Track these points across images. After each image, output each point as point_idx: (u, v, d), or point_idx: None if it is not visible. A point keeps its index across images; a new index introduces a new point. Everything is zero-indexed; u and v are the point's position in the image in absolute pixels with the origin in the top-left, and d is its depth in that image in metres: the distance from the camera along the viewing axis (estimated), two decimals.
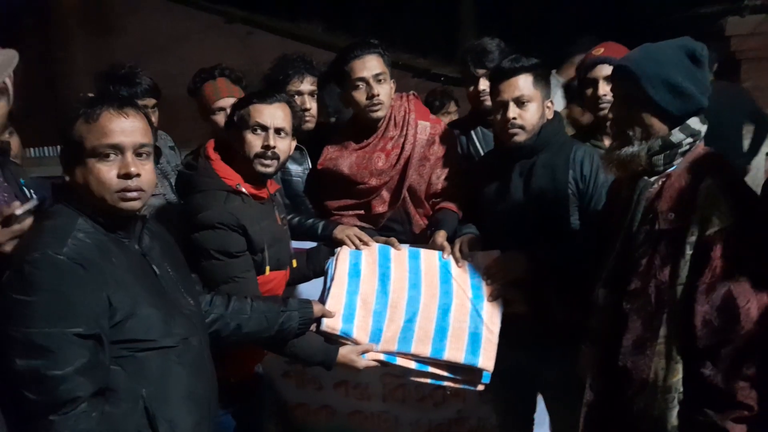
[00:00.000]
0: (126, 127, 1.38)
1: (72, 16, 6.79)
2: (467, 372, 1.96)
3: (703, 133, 1.57)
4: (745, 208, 1.45)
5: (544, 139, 2.08)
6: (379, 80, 2.24)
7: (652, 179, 1.58)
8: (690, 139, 1.54)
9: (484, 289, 2.02)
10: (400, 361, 1.97)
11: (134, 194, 1.38)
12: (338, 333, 1.94)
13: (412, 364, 1.96)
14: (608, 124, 2.37)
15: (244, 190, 1.90)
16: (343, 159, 2.33)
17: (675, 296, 1.47)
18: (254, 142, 1.90)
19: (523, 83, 2.03)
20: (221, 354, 1.67)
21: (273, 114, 1.91)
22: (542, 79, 2.08)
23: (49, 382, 1.24)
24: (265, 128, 1.90)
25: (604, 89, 2.31)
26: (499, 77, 2.06)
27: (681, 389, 1.47)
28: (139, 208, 1.43)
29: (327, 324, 1.93)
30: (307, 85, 2.41)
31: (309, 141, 2.45)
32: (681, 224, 1.48)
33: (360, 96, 2.25)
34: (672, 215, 1.50)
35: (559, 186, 2.05)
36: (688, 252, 1.45)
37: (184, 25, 6.90)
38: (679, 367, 1.47)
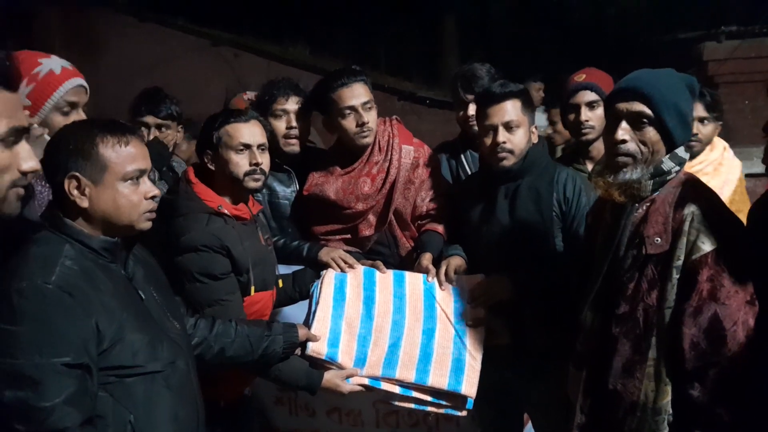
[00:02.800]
0: (145, 153, 1.46)
1: (56, 37, 6.77)
2: (451, 397, 1.95)
3: (686, 161, 1.61)
4: (728, 233, 1.48)
5: (530, 162, 2.11)
6: (368, 108, 2.27)
7: (637, 204, 1.60)
8: (677, 167, 1.58)
9: (468, 314, 2.02)
10: (385, 386, 1.96)
11: (153, 215, 1.47)
12: (323, 357, 1.93)
13: (397, 389, 1.95)
14: (590, 148, 2.48)
15: (226, 211, 1.90)
16: (329, 184, 2.34)
17: (663, 319, 1.49)
18: (241, 161, 1.93)
19: (512, 108, 2.06)
20: (210, 377, 1.66)
21: (253, 131, 1.96)
22: (529, 105, 2.12)
23: (38, 414, 1.22)
24: (248, 146, 1.94)
25: (587, 115, 2.37)
26: (488, 102, 2.08)
27: (670, 411, 1.48)
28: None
29: (312, 348, 1.92)
30: (292, 104, 2.41)
31: (296, 164, 2.45)
32: (667, 248, 1.50)
33: (349, 124, 2.27)
34: (658, 239, 1.52)
35: (544, 208, 2.08)
36: (675, 276, 1.48)
37: (171, 47, 6.92)
38: (668, 389, 1.48)
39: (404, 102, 6.92)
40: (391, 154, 2.33)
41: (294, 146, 2.41)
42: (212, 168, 1.95)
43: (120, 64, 6.35)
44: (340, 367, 1.93)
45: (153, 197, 1.45)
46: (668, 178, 1.58)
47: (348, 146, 2.34)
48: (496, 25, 9.75)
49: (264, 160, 1.97)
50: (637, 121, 1.54)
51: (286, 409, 2.40)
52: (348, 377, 1.94)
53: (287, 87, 2.41)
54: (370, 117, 2.27)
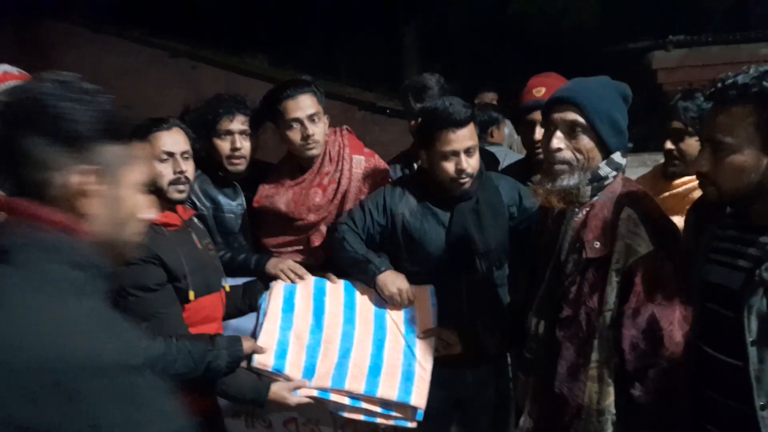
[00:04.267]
0: None
1: (5, 50, 6.61)
2: (401, 408, 1.96)
3: (624, 167, 1.66)
4: (663, 236, 1.53)
5: (482, 179, 2.14)
6: (313, 120, 2.26)
7: (577, 209, 1.64)
8: (614, 173, 1.62)
9: (418, 326, 2.04)
10: (334, 397, 1.95)
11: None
12: (270, 370, 1.91)
13: (346, 400, 1.95)
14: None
15: (152, 218, 1.87)
16: (280, 196, 2.33)
17: (605, 322, 1.52)
18: (165, 171, 1.91)
19: (471, 132, 2.04)
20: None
21: (175, 139, 1.94)
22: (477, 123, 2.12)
23: None
24: (171, 155, 1.92)
25: (540, 134, 2.26)
26: (449, 125, 2.00)
27: (614, 411, 1.52)
28: None
29: (258, 360, 1.90)
30: (237, 124, 2.36)
31: (244, 178, 2.44)
32: (606, 252, 1.54)
33: (295, 136, 2.26)
34: (597, 244, 1.56)
35: (503, 219, 2.13)
36: (614, 279, 1.52)
37: (126, 60, 6.81)
38: (611, 389, 1.52)
39: (365, 112, 6.95)
40: (342, 165, 2.33)
41: (239, 166, 2.38)
42: None
43: None
44: (288, 379, 1.92)
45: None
46: (606, 183, 1.62)
47: (296, 158, 2.34)
48: (456, 36, 9.88)
49: (188, 168, 1.95)
50: (570, 130, 1.58)
51: (242, 421, 2.37)
52: (296, 389, 1.92)
53: (232, 106, 2.36)
54: (317, 129, 2.26)
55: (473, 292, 2.11)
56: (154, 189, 1.89)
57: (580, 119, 1.57)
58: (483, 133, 3.52)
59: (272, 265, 2.17)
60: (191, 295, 1.89)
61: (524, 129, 2.48)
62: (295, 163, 2.37)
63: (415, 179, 2.25)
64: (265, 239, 2.38)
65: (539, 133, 2.31)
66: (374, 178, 2.37)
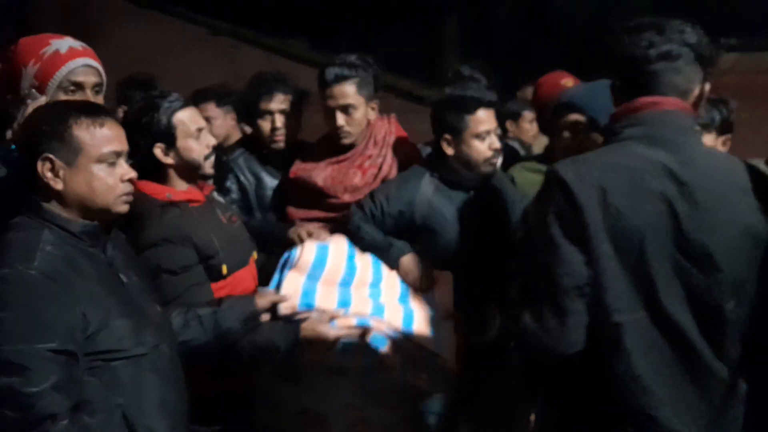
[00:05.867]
0: (121, 135, 1.44)
1: (52, 26, 6.70)
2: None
3: None
4: None
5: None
6: (347, 111, 2.27)
7: None
8: None
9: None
10: (375, 323, 1.84)
11: (130, 197, 1.46)
12: (298, 309, 1.82)
13: (388, 330, 1.86)
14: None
15: (177, 198, 1.86)
16: (318, 171, 2.34)
17: None
18: (198, 146, 1.91)
19: (493, 115, 2.14)
20: (196, 367, 1.62)
21: (200, 115, 1.99)
22: None
23: (26, 400, 1.22)
24: (201, 129, 1.94)
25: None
26: (485, 105, 2.12)
27: None
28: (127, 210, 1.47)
29: (284, 306, 1.79)
30: (276, 103, 2.39)
31: (286, 156, 2.44)
32: None
33: (329, 123, 2.31)
34: None
35: (516, 207, 2.19)
36: None
37: (168, 37, 6.87)
38: None
39: (401, 100, 6.90)
40: (386, 151, 2.32)
41: (279, 143, 2.40)
42: (168, 161, 1.88)
43: (117, 53, 6.27)
44: (321, 312, 1.79)
45: (129, 180, 1.43)
46: None
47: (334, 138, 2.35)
48: (498, 28, 9.73)
49: (213, 141, 1.96)
50: (575, 129, 1.82)
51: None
52: (332, 319, 1.79)
53: (271, 85, 2.38)
54: (349, 120, 2.28)
55: (492, 278, 2.07)
56: (190, 167, 1.89)
57: (582, 118, 1.81)
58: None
59: (292, 230, 2.17)
60: (224, 269, 1.88)
61: (557, 127, 2.54)
62: (332, 142, 2.37)
63: (432, 165, 2.26)
64: (293, 211, 2.36)
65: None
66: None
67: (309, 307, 1.81)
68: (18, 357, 1.22)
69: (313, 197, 2.34)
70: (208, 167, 1.93)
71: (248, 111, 2.40)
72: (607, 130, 1.48)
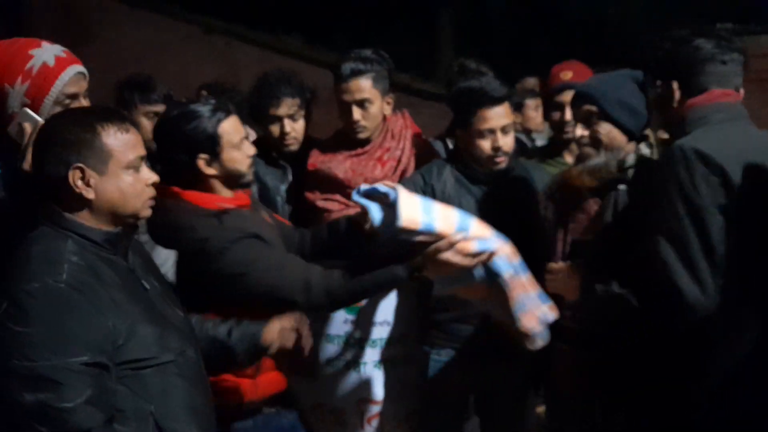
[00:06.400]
0: (141, 139, 1.43)
1: (45, 25, 6.66)
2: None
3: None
4: None
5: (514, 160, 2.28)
6: (363, 105, 2.27)
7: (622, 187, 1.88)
8: (648, 151, 1.88)
9: None
10: (498, 246, 1.70)
11: (153, 201, 1.46)
12: (419, 228, 1.64)
13: (513, 259, 1.73)
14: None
15: (229, 206, 1.80)
16: (338, 163, 2.35)
17: None
18: (241, 156, 1.84)
19: (508, 111, 2.13)
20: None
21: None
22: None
23: (60, 415, 1.21)
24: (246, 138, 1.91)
25: (570, 115, 2.41)
26: (485, 104, 2.10)
27: None
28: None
29: (404, 218, 1.61)
30: (284, 108, 2.37)
31: (297, 156, 2.44)
32: None
33: (345, 118, 2.32)
34: None
35: (534, 199, 2.23)
36: None
37: (162, 35, 6.83)
38: None
39: (399, 93, 6.87)
40: (404, 144, 2.34)
41: (292, 146, 2.40)
42: (210, 171, 1.79)
43: (110, 52, 6.27)
44: (440, 238, 1.65)
45: (153, 184, 1.43)
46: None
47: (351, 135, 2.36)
48: (493, 21, 9.71)
49: (253, 150, 1.94)
50: (588, 119, 1.88)
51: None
52: (451, 245, 1.66)
53: (278, 89, 2.36)
54: (364, 114, 2.28)
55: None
56: (235, 177, 1.82)
57: (594, 108, 1.86)
58: None
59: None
60: None
61: (553, 111, 2.61)
62: (346, 136, 2.38)
63: (451, 158, 2.31)
64: (312, 195, 2.36)
65: (568, 114, 2.44)
66: (429, 161, 2.37)
67: (429, 228, 1.65)
68: (51, 372, 1.21)
69: (332, 188, 2.34)
70: (250, 175, 1.91)
71: (255, 115, 2.38)
72: (691, 118, 1.68)
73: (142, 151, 1.42)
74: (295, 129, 2.38)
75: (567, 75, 2.55)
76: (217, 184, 1.83)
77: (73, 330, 1.24)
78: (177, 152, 1.78)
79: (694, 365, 1.55)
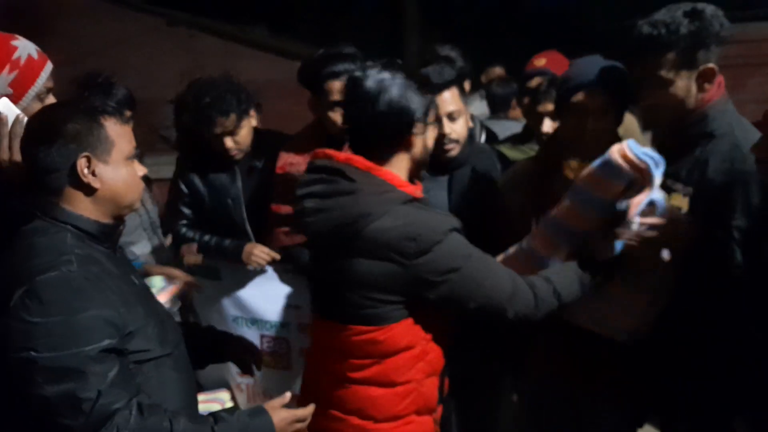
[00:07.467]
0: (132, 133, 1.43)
1: (2, 18, 6.47)
2: None
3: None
4: None
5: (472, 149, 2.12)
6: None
7: None
8: None
9: None
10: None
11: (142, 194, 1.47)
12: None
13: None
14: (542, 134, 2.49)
15: (415, 193, 1.59)
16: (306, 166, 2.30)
17: None
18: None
19: (455, 97, 1.99)
20: None
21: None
22: (463, 92, 2.08)
23: (86, 404, 1.20)
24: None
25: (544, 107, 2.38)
26: (430, 90, 1.84)
27: None
28: None
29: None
30: (219, 128, 2.32)
31: (249, 151, 2.44)
32: None
33: (336, 117, 2.20)
34: None
35: (492, 188, 2.10)
36: None
37: (123, 28, 6.67)
38: None
39: None
40: None
41: (237, 156, 2.40)
42: (406, 152, 1.58)
43: (70, 46, 6.10)
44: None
45: (144, 176, 1.45)
46: None
47: (328, 127, 2.28)
48: (458, 7, 9.74)
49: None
50: (599, 111, 1.75)
51: (243, 395, 2.38)
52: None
53: (210, 111, 2.30)
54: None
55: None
56: (424, 158, 1.65)
57: (607, 98, 1.74)
58: (505, 107, 3.39)
59: (245, 254, 2.25)
60: None
61: (525, 95, 2.56)
62: (322, 132, 2.29)
63: None
64: (277, 207, 2.32)
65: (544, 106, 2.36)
66: None
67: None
68: (74, 362, 1.19)
69: None
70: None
71: (195, 121, 2.36)
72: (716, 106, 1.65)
73: (135, 143, 1.42)
74: (237, 141, 2.35)
75: (540, 61, 2.55)
76: (401, 168, 1.61)
77: (91, 317, 1.23)
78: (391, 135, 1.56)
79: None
